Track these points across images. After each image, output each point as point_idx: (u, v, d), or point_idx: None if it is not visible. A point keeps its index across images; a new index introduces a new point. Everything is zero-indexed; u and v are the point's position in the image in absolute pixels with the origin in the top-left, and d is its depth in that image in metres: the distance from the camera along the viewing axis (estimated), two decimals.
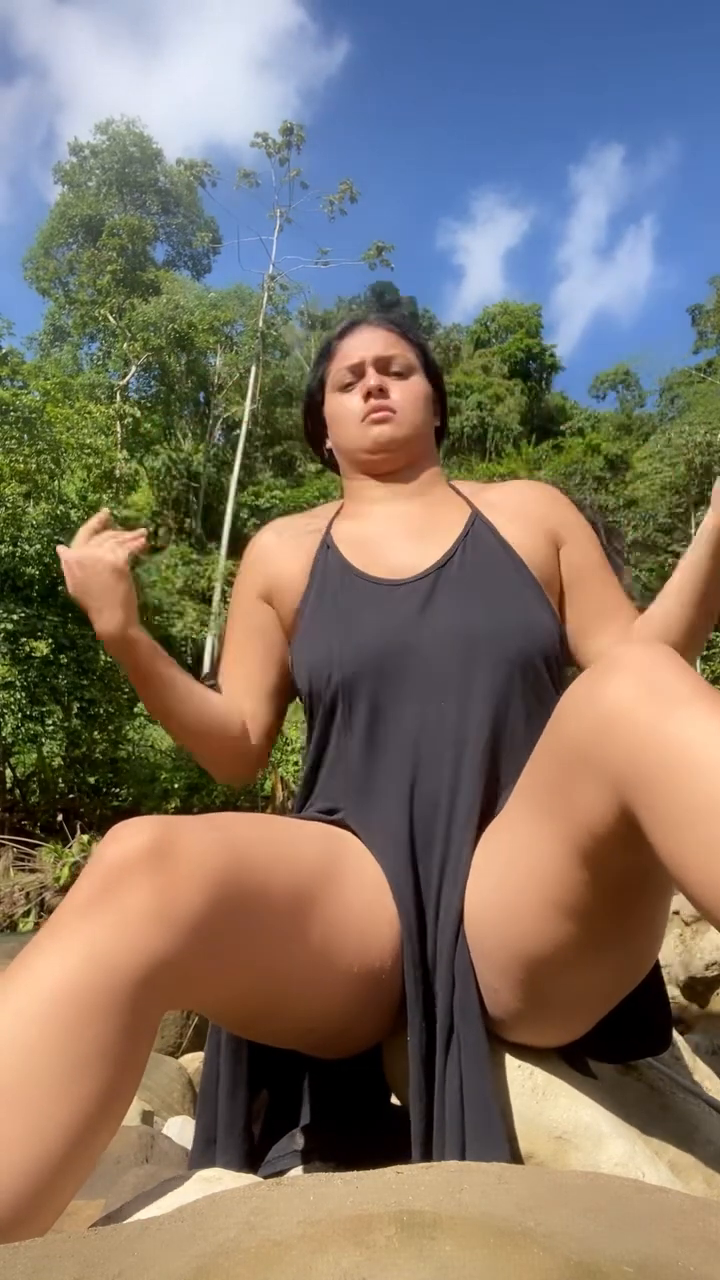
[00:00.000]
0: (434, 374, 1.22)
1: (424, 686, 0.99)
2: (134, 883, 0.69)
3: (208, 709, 1.09)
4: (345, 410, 1.17)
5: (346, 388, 1.17)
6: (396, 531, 1.12)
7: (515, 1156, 0.85)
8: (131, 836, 0.72)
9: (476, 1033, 0.85)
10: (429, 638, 1.00)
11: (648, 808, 0.66)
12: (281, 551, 1.16)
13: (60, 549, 1.07)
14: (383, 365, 1.15)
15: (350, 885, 0.89)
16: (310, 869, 0.85)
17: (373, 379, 1.14)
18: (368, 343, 1.17)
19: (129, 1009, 0.66)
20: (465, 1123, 0.82)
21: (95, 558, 1.03)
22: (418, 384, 1.18)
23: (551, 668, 1.02)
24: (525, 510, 1.12)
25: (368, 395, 1.14)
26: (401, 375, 1.16)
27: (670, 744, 0.65)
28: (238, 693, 1.15)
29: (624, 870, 0.75)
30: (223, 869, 0.73)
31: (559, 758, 0.77)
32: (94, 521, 1.10)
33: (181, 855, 0.71)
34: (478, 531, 1.09)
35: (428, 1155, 0.84)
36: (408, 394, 1.16)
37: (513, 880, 0.84)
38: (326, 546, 1.13)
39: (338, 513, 1.20)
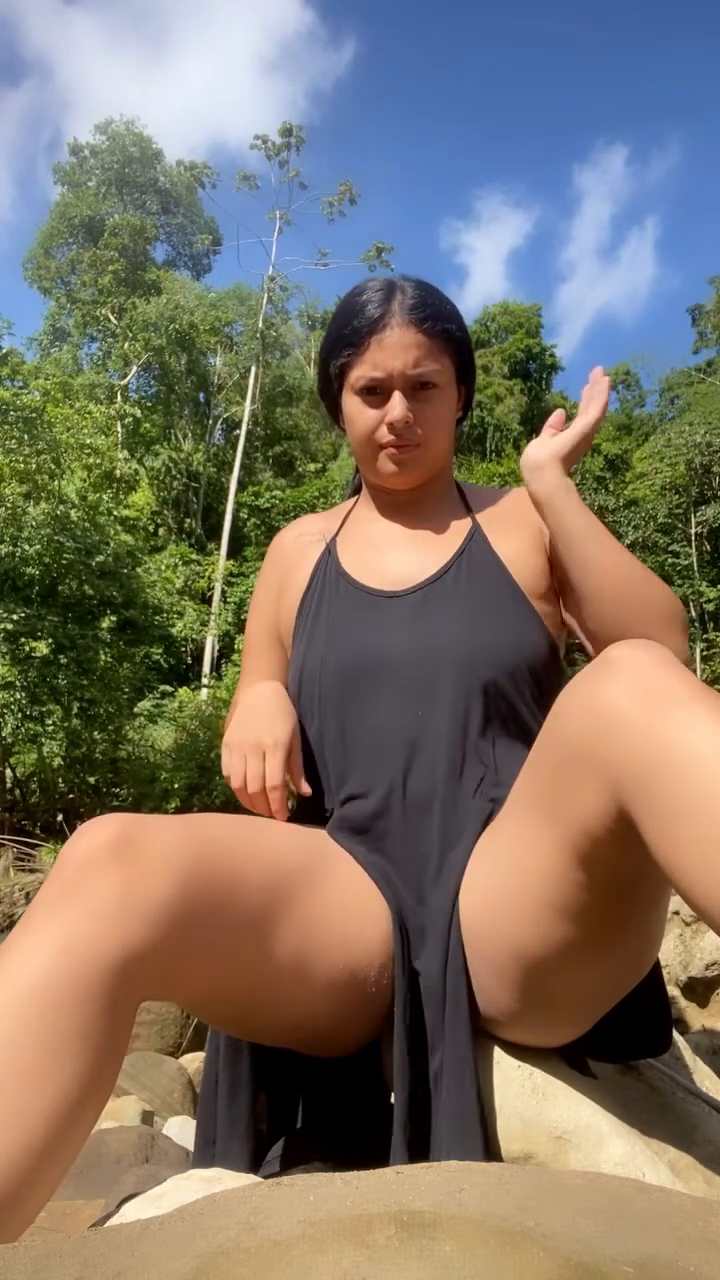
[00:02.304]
0: (466, 369, 1.13)
1: (402, 696, 1.00)
2: (101, 874, 0.70)
3: None
4: (362, 423, 1.09)
5: (368, 397, 1.07)
6: (398, 541, 1.13)
7: (494, 1157, 0.85)
8: (97, 831, 0.73)
9: (464, 1032, 0.86)
10: (411, 650, 1.02)
11: (643, 808, 0.66)
12: (293, 555, 1.19)
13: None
14: (412, 384, 1.06)
15: (334, 883, 0.90)
16: (288, 866, 0.86)
17: (398, 408, 1.05)
18: (399, 351, 1.04)
19: (104, 996, 0.66)
20: (446, 1123, 0.83)
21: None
22: (446, 401, 1.09)
23: (538, 682, 1.03)
24: (521, 521, 1.12)
25: (390, 424, 1.06)
26: (431, 389, 1.07)
27: (666, 745, 0.66)
28: None
29: (621, 871, 0.75)
30: (190, 861, 0.74)
31: (556, 758, 0.77)
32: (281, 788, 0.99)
33: (146, 847, 0.73)
34: (474, 547, 1.10)
35: (404, 1151, 0.84)
36: (432, 420, 1.08)
37: (509, 880, 0.85)
38: (329, 553, 1.15)
39: (349, 513, 1.22)
